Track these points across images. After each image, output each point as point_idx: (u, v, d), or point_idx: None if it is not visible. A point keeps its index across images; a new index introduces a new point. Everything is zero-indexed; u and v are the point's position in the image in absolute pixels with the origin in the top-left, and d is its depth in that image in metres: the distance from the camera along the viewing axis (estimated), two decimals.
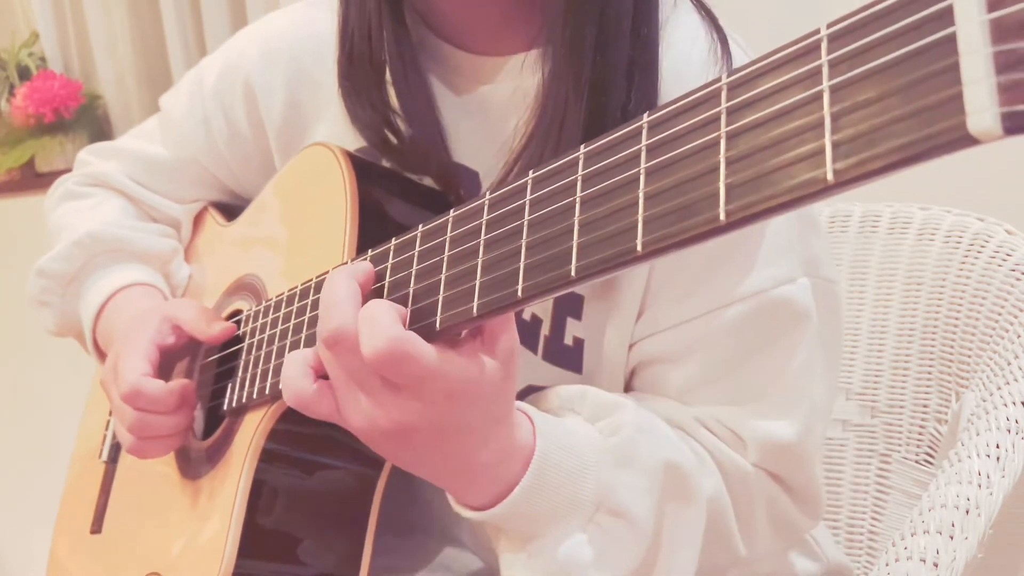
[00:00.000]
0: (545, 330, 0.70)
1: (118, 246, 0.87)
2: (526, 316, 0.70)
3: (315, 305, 0.62)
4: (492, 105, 0.71)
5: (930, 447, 0.91)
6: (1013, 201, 1.10)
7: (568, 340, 0.69)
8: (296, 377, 0.54)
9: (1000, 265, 0.85)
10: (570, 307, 0.69)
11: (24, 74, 1.88)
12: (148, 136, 0.93)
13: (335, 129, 0.76)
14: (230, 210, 0.90)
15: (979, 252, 0.88)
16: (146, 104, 1.81)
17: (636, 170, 0.40)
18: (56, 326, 0.92)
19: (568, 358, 0.69)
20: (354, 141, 0.74)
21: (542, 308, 0.70)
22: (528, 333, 0.70)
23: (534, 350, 0.70)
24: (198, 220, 0.93)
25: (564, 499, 0.57)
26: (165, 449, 0.74)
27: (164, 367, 0.76)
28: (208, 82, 0.85)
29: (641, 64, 0.63)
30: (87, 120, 1.83)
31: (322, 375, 0.54)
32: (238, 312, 0.77)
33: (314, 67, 0.78)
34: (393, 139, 0.72)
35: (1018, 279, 0.83)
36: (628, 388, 0.72)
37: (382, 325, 0.49)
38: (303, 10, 0.81)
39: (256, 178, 0.86)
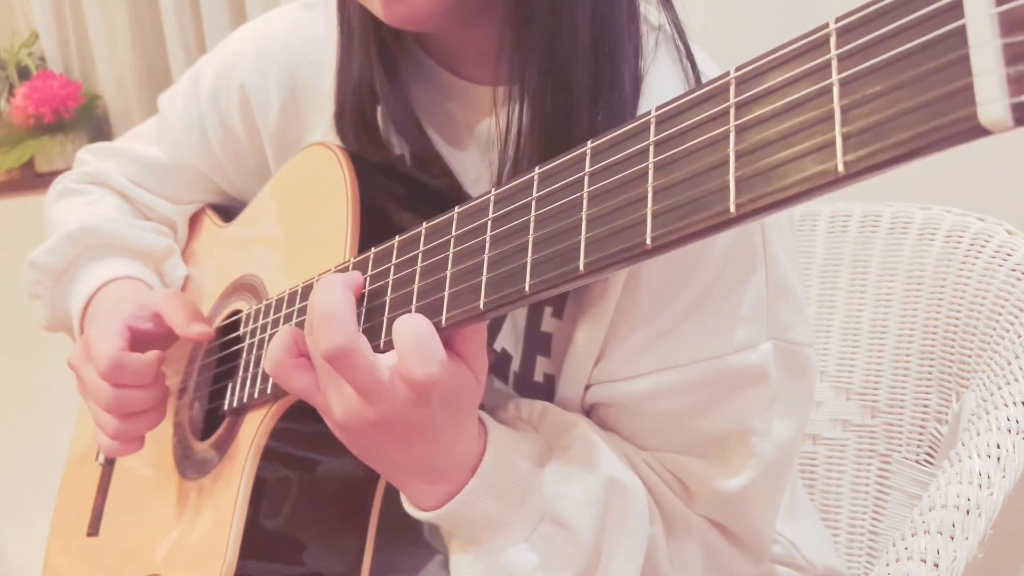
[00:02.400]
0: (515, 367, 0.69)
1: (110, 240, 0.87)
2: (496, 348, 0.70)
3: None
4: (479, 134, 0.70)
5: (930, 447, 0.91)
6: (1013, 201, 1.10)
7: (538, 377, 0.69)
8: (279, 348, 0.56)
9: (1000, 265, 0.86)
10: (539, 346, 0.69)
11: (24, 74, 1.88)
12: (146, 137, 0.93)
13: (331, 134, 0.75)
14: (227, 211, 0.90)
15: (979, 252, 0.88)
16: (146, 104, 1.81)
17: (645, 164, 0.41)
18: (47, 320, 0.91)
19: (539, 394, 0.69)
20: None
21: (513, 344, 0.69)
22: (497, 367, 0.70)
23: (504, 382, 0.70)
24: (196, 222, 0.93)
25: (509, 506, 0.58)
26: (146, 427, 0.73)
27: (136, 350, 0.74)
28: (204, 85, 0.84)
29: (608, 109, 0.61)
30: (87, 120, 1.82)
31: (304, 354, 0.56)
32: (238, 312, 0.76)
33: (309, 72, 0.78)
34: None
35: (1018, 279, 0.83)
36: None
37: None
38: (298, 12, 0.81)
39: (251, 181, 0.85)
